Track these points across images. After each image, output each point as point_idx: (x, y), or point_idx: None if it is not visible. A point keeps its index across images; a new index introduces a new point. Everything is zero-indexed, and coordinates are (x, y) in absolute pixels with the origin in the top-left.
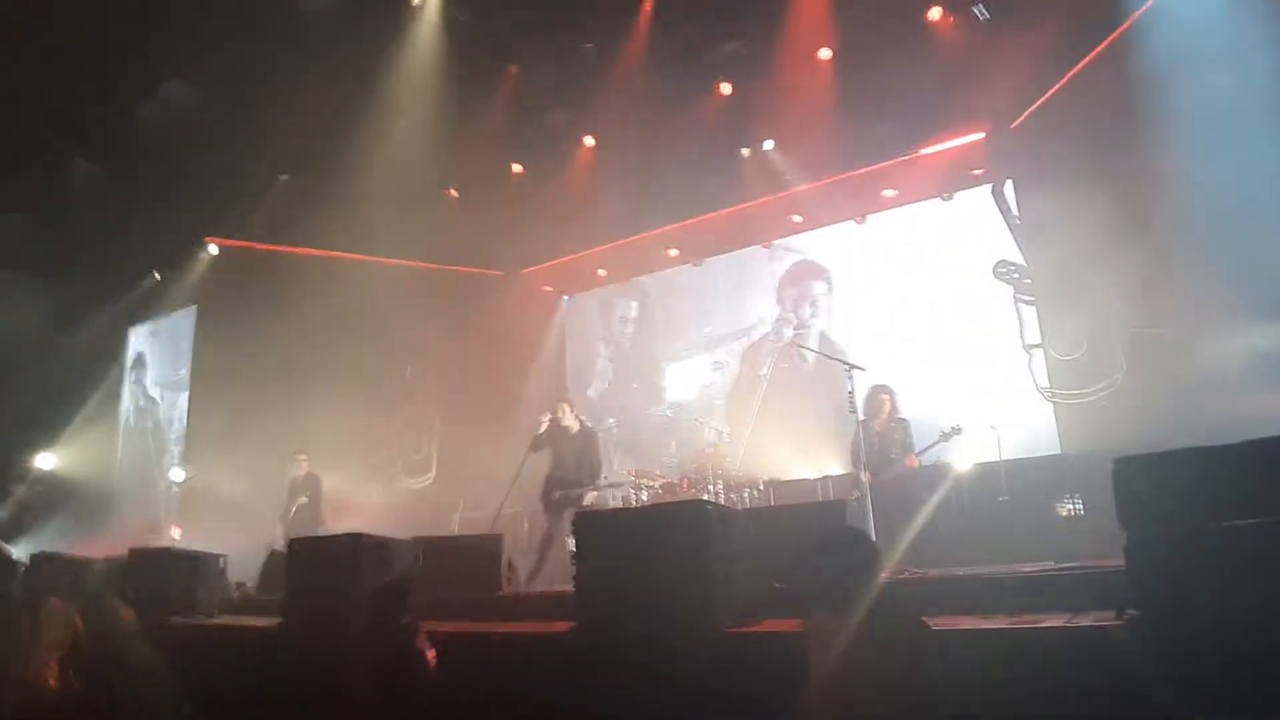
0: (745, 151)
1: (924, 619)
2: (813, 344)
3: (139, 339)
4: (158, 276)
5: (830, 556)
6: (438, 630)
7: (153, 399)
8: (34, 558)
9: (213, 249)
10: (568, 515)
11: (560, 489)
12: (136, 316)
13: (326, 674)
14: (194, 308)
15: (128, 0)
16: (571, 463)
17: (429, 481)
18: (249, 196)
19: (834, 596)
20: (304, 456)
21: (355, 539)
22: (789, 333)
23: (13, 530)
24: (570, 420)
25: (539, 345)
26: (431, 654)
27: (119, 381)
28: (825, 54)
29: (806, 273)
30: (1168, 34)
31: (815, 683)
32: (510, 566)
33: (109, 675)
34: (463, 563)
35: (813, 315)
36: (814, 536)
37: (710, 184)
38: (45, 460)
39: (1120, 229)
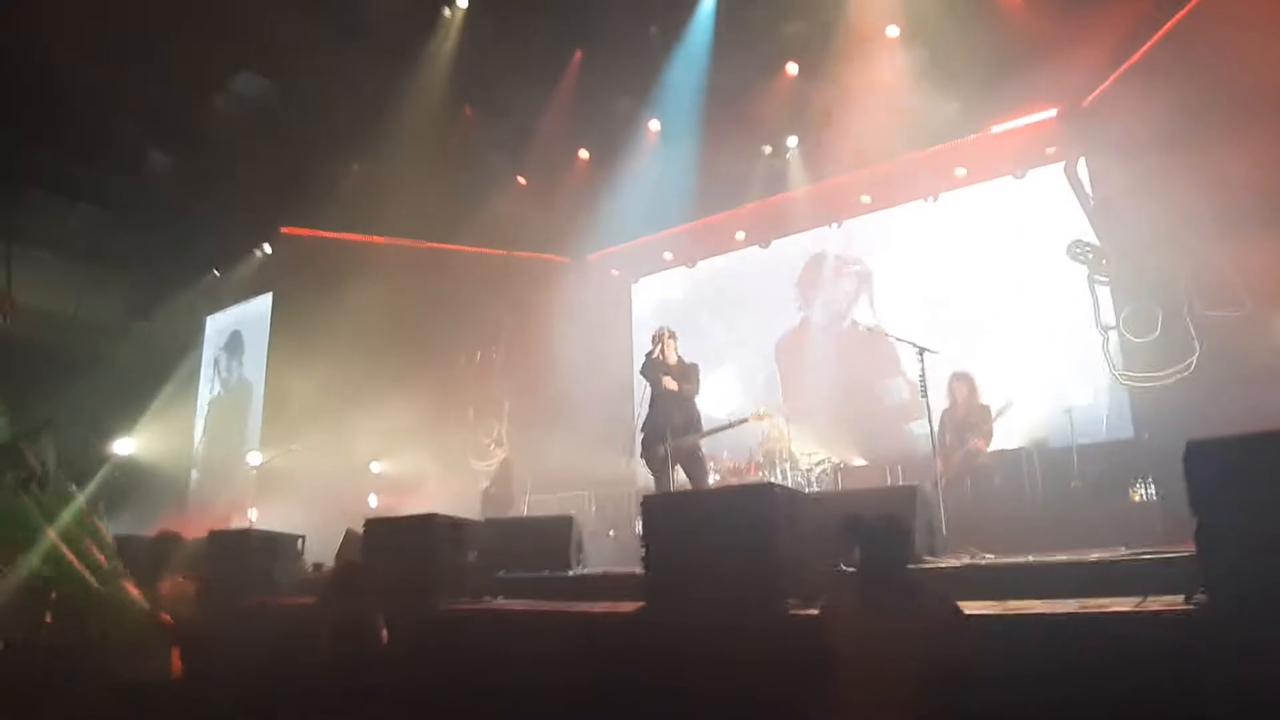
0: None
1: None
2: (880, 326)
3: (231, 321)
4: (217, 274)
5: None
6: (510, 609)
7: (247, 381)
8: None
9: (269, 246)
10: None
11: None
12: (214, 305)
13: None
14: (270, 294)
15: None
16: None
17: (499, 463)
18: (321, 186)
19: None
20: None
21: (429, 519)
22: (850, 317)
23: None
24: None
25: (607, 329)
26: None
27: (196, 367)
28: (893, 31)
29: (851, 260)
30: (1244, 7)
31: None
32: (580, 547)
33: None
34: (534, 543)
35: (869, 300)
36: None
37: (776, 166)
38: (124, 445)
39: (1196, 209)
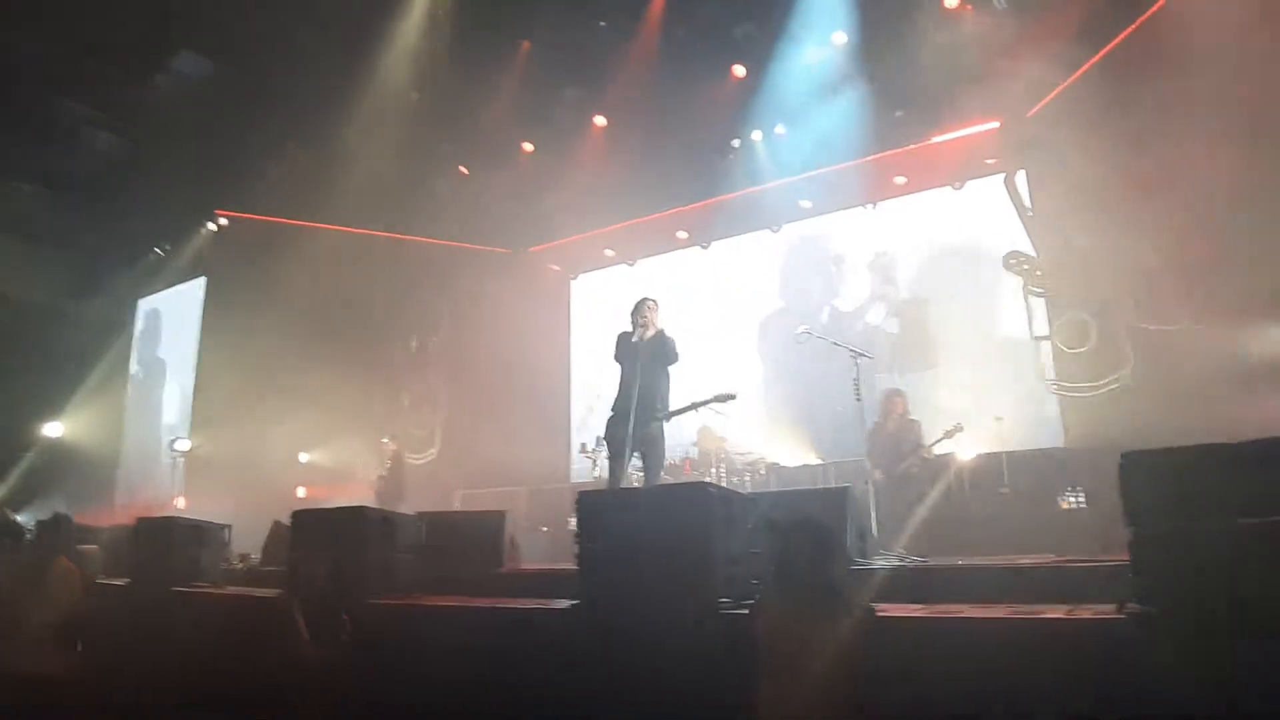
0: (756, 135)
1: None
2: (818, 330)
3: (155, 304)
4: (160, 252)
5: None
6: (440, 604)
7: (162, 360)
8: (40, 521)
9: (221, 221)
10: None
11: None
12: (146, 287)
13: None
14: (203, 279)
15: None
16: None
17: (432, 457)
18: (259, 169)
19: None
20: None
21: (359, 512)
22: (794, 318)
23: (20, 498)
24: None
25: (544, 324)
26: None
27: (127, 351)
28: (840, 38)
29: (813, 258)
30: (1183, 29)
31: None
32: (512, 543)
33: (109, 639)
34: (465, 539)
35: (819, 301)
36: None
37: (720, 167)
38: (53, 429)
39: (1132, 224)
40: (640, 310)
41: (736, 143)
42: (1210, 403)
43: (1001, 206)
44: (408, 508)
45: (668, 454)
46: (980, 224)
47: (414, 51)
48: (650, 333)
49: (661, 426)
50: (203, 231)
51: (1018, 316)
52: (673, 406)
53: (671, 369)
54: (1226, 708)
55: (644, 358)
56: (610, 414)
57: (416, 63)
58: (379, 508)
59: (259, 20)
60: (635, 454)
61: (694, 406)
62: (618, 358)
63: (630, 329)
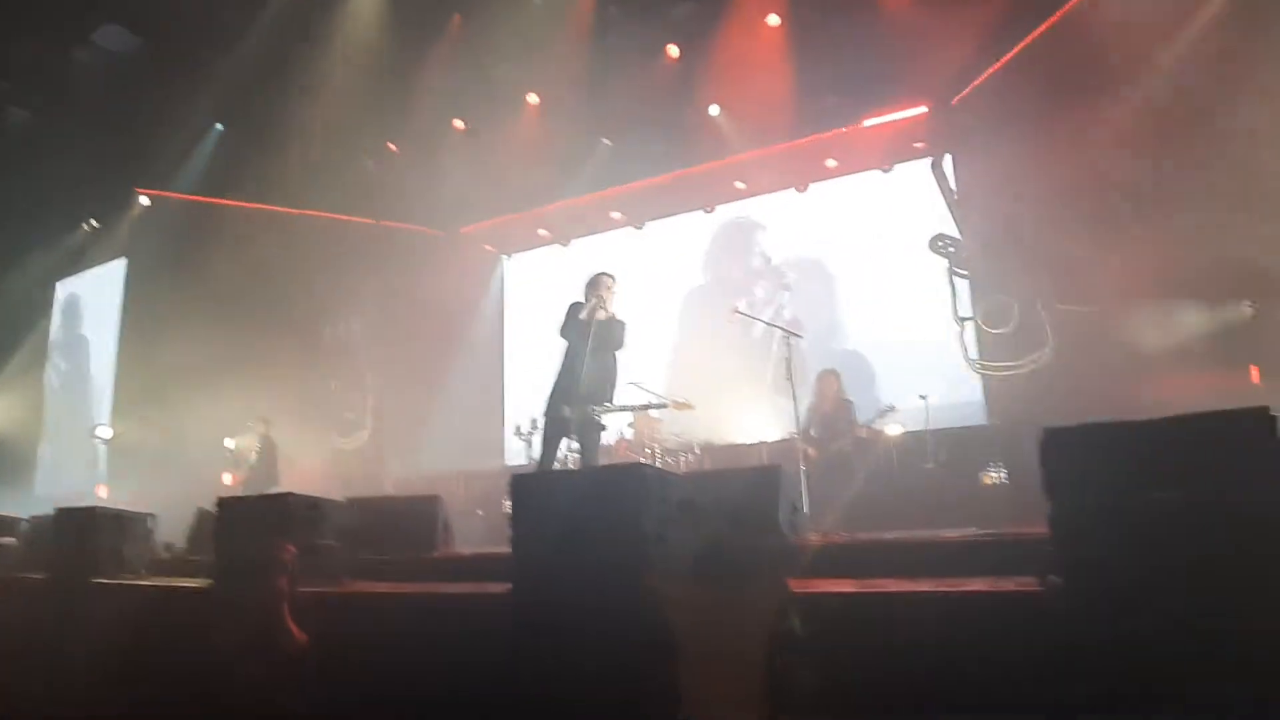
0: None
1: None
2: (748, 309)
3: (74, 286)
4: (94, 224)
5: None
6: (371, 591)
7: (82, 344)
8: None
9: (144, 200)
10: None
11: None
12: (65, 269)
13: (254, 635)
14: (124, 260)
15: None
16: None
17: (362, 441)
18: (183, 147)
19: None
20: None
21: (284, 498)
22: (726, 297)
23: None
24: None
25: (478, 305)
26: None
27: (45, 335)
28: (774, 20)
29: (745, 238)
30: (1102, 21)
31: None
32: (446, 527)
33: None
34: (398, 523)
35: (749, 281)
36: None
37: (655, 148)
38: None
39: (1052, 207)
40: (596, 286)
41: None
42: (1125, 381)
43: (928, 190)
44: (337, 493)
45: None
46: (908, 207)
47: (343, 26)
48: (603, 314)
49: (601, 413)
50: (125, 211)
51: (943, 298)
52: (622, 398)
53: (619, 354)
54: (1141, 677)
55: (595, 339)
56: (551, 392)
57: (346, 38)
58: (232, 497)
59: None
60: (572, 436)
61: (648, 407)
62: (564, 333)
63: (583, 302)
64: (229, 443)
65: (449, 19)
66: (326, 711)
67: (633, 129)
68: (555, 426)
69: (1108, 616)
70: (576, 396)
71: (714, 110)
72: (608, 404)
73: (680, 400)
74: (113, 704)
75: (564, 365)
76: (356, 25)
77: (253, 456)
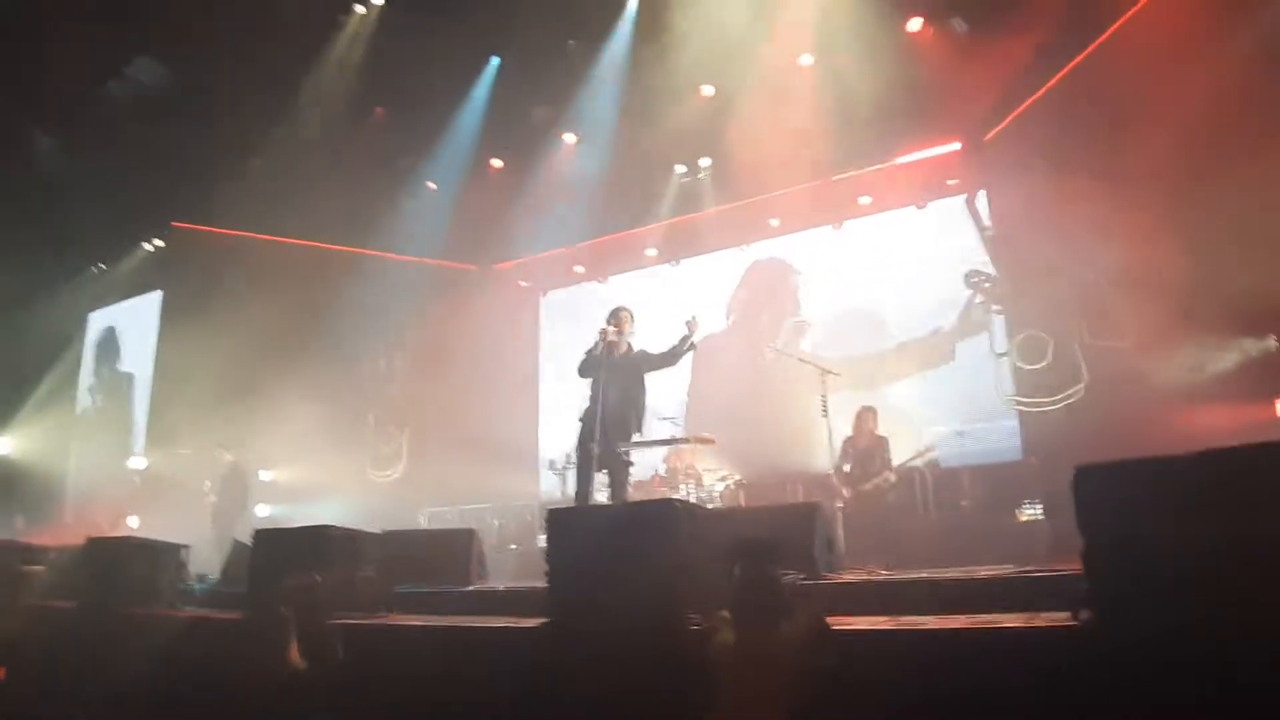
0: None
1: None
2: (784, 346)
3: (112, 318)
4: (98, 269)
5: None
6: (407, 624)
7: (124, 381)
8: None
9: (160, 242)
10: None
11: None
12: (98, 300)
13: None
14: (159, 293)
15: None
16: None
17: (398, 475)
18: (221, 180)
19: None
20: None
21: (322, 530)
22: (762, 334)
23: None
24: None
25: (513, 341)
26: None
27: (76, 365)
28: (806, 60)
29: (779, 275)
30: (1136, 55)
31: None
32: (481, 561)
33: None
34: (433, 556)
35: (784, 317)
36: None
37: (689, 186)
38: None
39: (1085, 243)
40: (613, 319)
41: (709, 162)
42: (1159, 416)
43: (963, 226)
44: (373, 526)
45: (636, 471)
46: (943, 243)
47: (382, 66)
48: (623, 347)
49: (629, 449)
50: (156, 244)
51: (979, 333)
52: (647, 432)
53: (649, 383)
54: (1176, 715)
55: (618, 372)
56: (580, 428)
57: (385, 77)
58: (216, 528)
59: (220, 28)
60: (603, 470)
61: (669, 442)
62: (582, 371)
63: (598, 341)
64: (265, 475)
65: (487, 62)
66: None
67: (668, 165)
68: (585, 461)
69: (1142, 652)
70: (601, 432)
71: (743, 149)
72: (631, 441)
73: (704, 436)
74: None
75: (590, 401)
76: (395, 64)
77: (208, 485)
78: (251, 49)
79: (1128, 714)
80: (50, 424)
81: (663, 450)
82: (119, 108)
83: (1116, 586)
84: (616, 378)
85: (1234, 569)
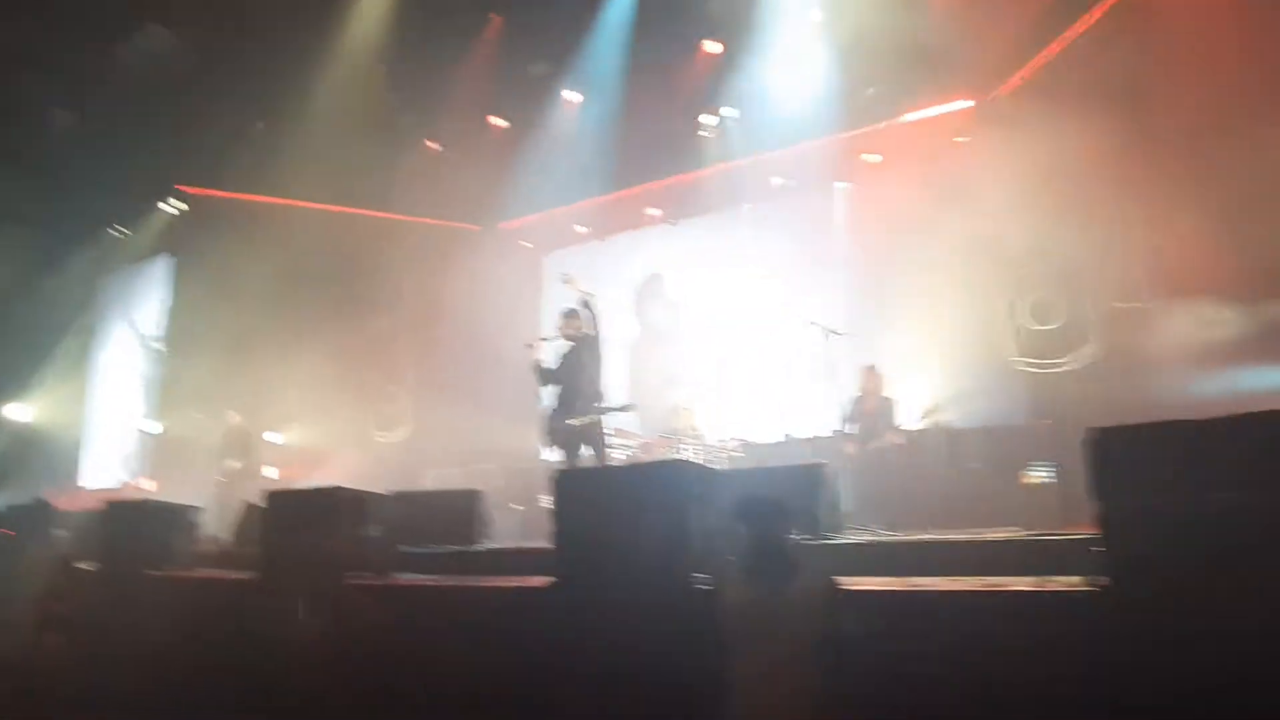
0: (729, 111)
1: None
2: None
3: (128, 282)
4: (117, 233)
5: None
6: (414, 584)
7: (128, 339)
8: (19, 507)
9: (184, 198)
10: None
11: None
12: (110, 265)
13: (301, 627)
14: (170, 257)
15: None
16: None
17: (403, 435)
18: (226, 144)
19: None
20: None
21: (332, 492)
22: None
23: None
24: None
25: (516, 300)
26: None
27: (90, 330)
28: (815, 15)
29: (780, 233)
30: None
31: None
32: (486, 521)
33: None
34: (439, 517)
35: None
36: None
37: (692, 143)
38: (16, 410)
39: (1101, 203)
40: (563, 321)
41: (715, 119)
42: (1175, 379)
43: (973, 183)
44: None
45: (643, 433)
46: (952, 200)
47: (383, 24)
48: (564, 342)
49: (600, 417)
50: (166, 209)
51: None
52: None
53: (589, 363)
54: (1191, 681)
55: (566, 359)
56: (551, 407)
57: (385, 36)
58: (229, 493)
59: None
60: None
61: (605, 411)
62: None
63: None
64: (275, 437)
65: (487, 19)
66: (369, 700)
67: (670, 124)
68: (561, 438)
69: (1157, 618)
70: (555, 410)
71: (752, 105)
72: (577, 415)
73: (627, 404)
74: (166, 689)
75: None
76: (396, 23)
77: (232, 455)
78: (252, 12)
79: (1141, 680)
80: (65, 388)
81: (668, 411)
82: (128, 74)
83: (1132, 551)
84: (565, 363)
85: (1257, 535)
